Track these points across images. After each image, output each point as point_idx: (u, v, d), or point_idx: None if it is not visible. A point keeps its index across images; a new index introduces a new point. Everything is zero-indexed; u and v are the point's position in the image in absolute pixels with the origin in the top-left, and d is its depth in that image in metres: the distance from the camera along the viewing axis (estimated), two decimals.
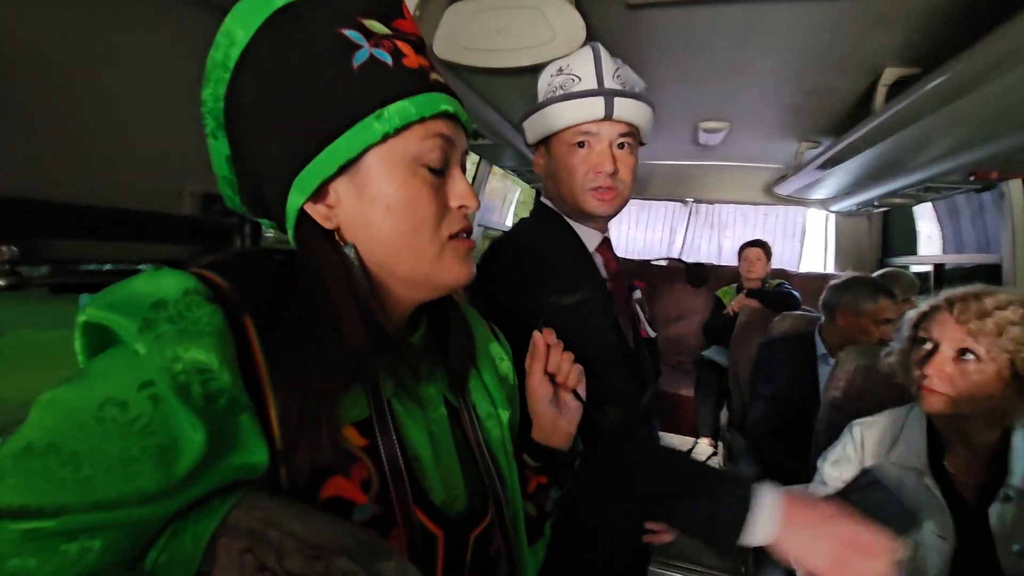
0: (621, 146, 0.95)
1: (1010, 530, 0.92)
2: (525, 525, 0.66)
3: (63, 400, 0.34)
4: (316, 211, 0.49)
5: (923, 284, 2.43)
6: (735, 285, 3.24)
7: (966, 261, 2.27)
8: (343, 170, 0.47)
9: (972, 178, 1.68)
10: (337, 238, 0.50)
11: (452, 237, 0.52)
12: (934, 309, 1.02)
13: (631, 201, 1.04)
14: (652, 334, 1.12)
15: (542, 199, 1.07)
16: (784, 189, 2.93)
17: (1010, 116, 1.23)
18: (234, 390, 0.37)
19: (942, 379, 0.95)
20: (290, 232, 0.51)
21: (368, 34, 0.46)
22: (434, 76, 0.50)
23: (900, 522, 0.84)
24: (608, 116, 0.92)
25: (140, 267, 0.86)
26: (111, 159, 0.78)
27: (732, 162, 3.04)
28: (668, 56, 1.53)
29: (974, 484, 1.00)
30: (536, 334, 0.72)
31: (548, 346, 0.72)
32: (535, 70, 1.08)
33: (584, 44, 1.01)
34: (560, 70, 0.98)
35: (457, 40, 1.22)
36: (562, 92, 0.95)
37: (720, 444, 2.87)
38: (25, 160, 0.67)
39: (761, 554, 1.63)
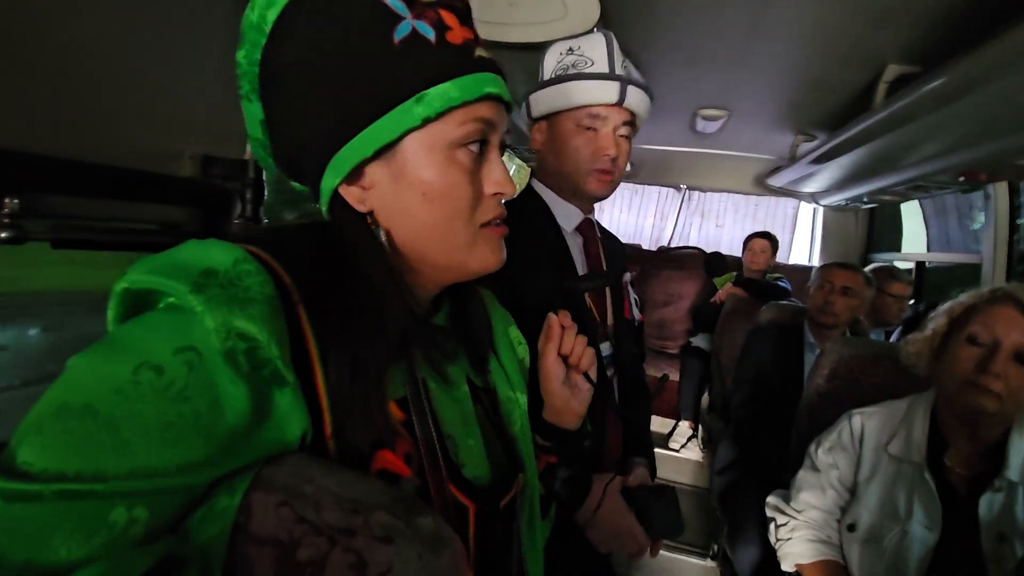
0: (622, 133, 0.97)
1: (997, 518, 0.95)
2: None
3: (97, 363, 0.33)
4: (350, 193, 0.48)
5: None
6: (734, 273, 3.24)
7: (947, 260, 2.33)
8: (379, 153, 0.45)
9: (961, 179, 1.71)
10: (369, 221, 0.48)
11: (485, 224, 0.51)
12: (989, 303, 0.97)
13: (624, 185, 1.07)
14: (637, 317, 1.14)
15: (532, 180, 1.07)
16: (777, 181, 2.95)
17: (1004, 120, 1.26)
18: (279, 364, 0.36)
19: (1007, 379, 0.91)
20: (324, 209, 0.50)
21: (411, 1, 0.44)
22: (479, 53, 0.48)
23: (664, 528, 0.86)
24: (620, 102, 0.94)
25: (140, 226, 0.85)
26: (113, 118, 0.77)
27: (727, 151, 3.05)
28: (675, 40, 1.53)
29: (967, 475, 1.01)
30: (551, 316, 0.73)
31: (563, 328, 0.72)
32: (539, 47, 1.07)
33: (595, 26, 1.01)
34: (571, 50, 0.98)
35: None
36: (574, 72, 0.96)
37: (700, 426, 2.95)
38: (28, 115, 0.65)
39: (734, 533, 1.70)
